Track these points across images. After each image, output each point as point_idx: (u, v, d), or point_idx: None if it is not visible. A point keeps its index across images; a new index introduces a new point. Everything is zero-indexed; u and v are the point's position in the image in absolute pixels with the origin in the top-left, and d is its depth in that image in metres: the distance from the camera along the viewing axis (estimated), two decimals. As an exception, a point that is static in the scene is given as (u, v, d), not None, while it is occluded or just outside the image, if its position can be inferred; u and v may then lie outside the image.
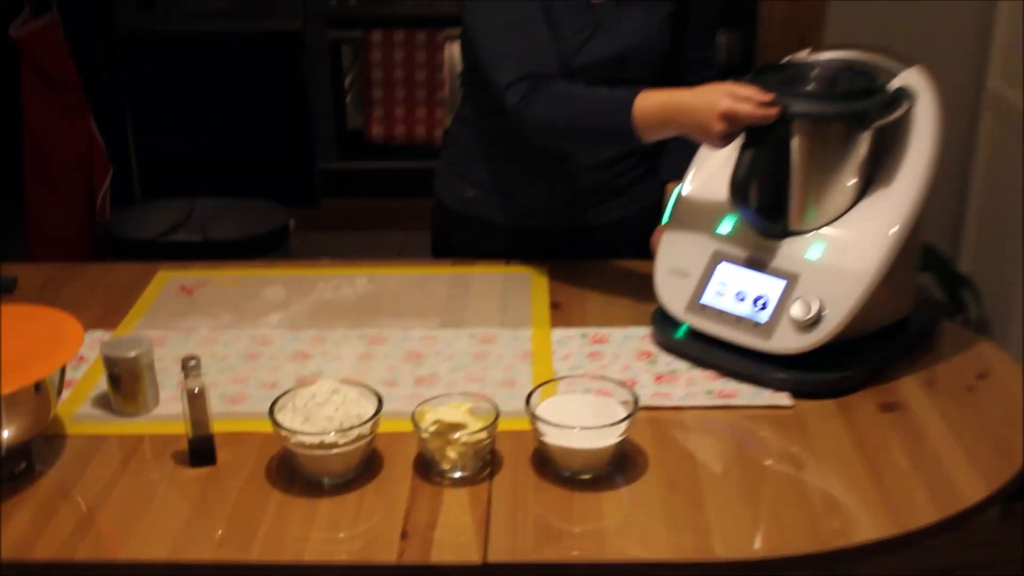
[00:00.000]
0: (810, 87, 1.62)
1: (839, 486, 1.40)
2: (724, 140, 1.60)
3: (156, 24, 4.20)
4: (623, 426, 1.39)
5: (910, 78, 1.63)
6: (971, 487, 1.38)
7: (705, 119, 1.58)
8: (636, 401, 1.43)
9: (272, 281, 1.95)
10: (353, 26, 4.19)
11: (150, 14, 4.19)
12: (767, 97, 1.54)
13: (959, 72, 2.75)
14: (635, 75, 1.80)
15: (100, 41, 4.16)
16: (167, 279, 1.96)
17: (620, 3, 1.86)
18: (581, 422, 1.39)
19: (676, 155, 1.87)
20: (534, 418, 1.40)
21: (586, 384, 1.51)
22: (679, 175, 1.77)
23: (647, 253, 1.81)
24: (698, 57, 1.99)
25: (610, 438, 1.38)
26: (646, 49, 1.89)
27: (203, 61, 4.26)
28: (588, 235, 2.03)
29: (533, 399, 1.44)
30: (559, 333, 1.76)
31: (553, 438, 1.39)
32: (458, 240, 2.09)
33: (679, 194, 1.74)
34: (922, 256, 1.74)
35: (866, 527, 1.32)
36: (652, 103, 1.66)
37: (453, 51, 4.14)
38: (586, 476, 1.40)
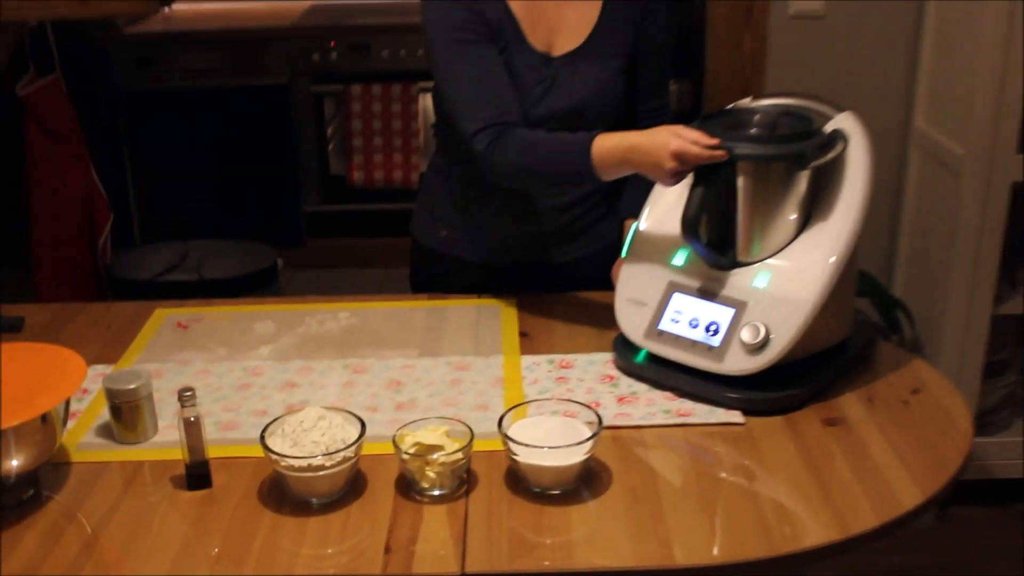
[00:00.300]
0: (753, 131, 1.63)
1: (788, 495, 1.40)
2: (675, 178, 1.61)
3: (153, 81, 4.20)
4: (588, 445, 1.38)
5: (843, 121, 1.65)
6: (908, 494, 1.39)
7: (658, 158, 1.59)
8: (600, 421, 1.43)
9: (262, 316, 1.94)
10: (334, 81, 4.20)
11: (148, 72, 4.19)
12: (713, 140, 1.55)
13: (888, 114, 2.78)
14: (591, 125, 1.80)
15: (101, 97, 4.16)
16: (164, 316, 1.95)
17: (575, 60, 1.87)
18: (550, 442, 1.39)
19: (633, 194, 1.89)
20: (506, 439, 1.40)
21: (553, 407, 1.51)
22: (636, 213, 1.78)
23: (608, 286, 1.81)
24: (651, 107, 1.98)
25: (577, 456, 1.38)
26: (600, 101, 1.89)
27: (197, 114, 4.25)
28: (554, 271, 2.03)
29: (505, 421, 1.44)
30: (528, 360, 1.76)
31: (524, 457, 1.39)
32: (434, 276, 2.09)
33: (636, 230, 1.75)
34: (859, 282, 1.75)
35: (813, 533, 1.33)
36: (608, 145, 1.67)
37: (427, 102, 4.16)
38: (555, 491, 1.39)
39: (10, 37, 2.63)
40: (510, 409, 1.48)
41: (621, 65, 1.89)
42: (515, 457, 1.40)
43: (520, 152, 1.76)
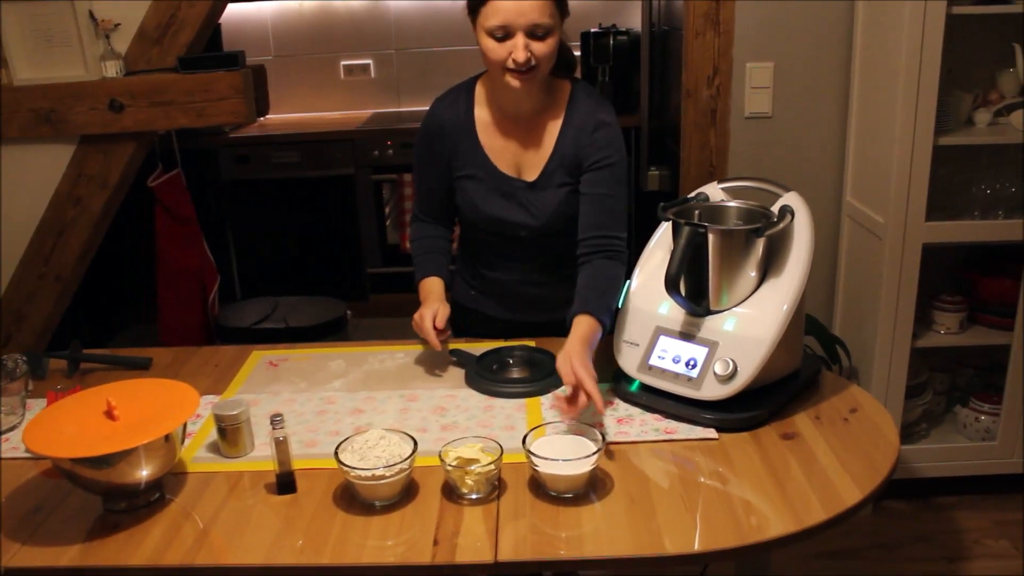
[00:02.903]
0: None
1: (754, 496, 1.37)
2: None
3: (250, 173, 4.25)
4: (595, 457, 1.37)
5: (789, 199, 1.64)
6: (850, 493, 1.37)
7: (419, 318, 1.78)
8: (604, 439, 1.41)
9: (335, 357, 1.93)
10: (390, 171, 4.24)
11: (246, 166, 4.24)
12: (431, 336, 1.76)
13: (824, 191, 2.77)
14: (553, 236, 1.83)
15: (211, 186, 4.20)
16: (259, 357, 1.95)
17: (534, 188, 1.83)
18: (564, 455, 1.37)
19: (584, 293, 1.74)
20: (529, 453, 1.38)
21: (566, 427, 1.49)
22: (587, 309, 1.68)
23: (609, 330, 1.77)
24: (587, 236, 1.78)
25: (585, 466, 1.36)
26: (556, 220, 1.84)
27: (283, 198, 4.29)
28: (563, 322, 1.98)
29: (528, 439, 1.42)
30: (545, 389, 1.74)
31: (543, 467, 1.37)
32: (469, 325, 2.07)
33: (628, 287, 1.74)
34: (806, 324, 1.73)
35: (775, 525, 1.30)
36: (423, 288, 1.88)
37: (462, 187, 4.17)
38: (568, 495, 1.37)
39: (144, 143, 2.66)
40: (531, 429, 1.46)
41: (570, 190, 1.82)
42: (536, 468, 1.38)
43: (414, 235, 1.98)
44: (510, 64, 1.68)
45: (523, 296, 1.97)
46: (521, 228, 1.86)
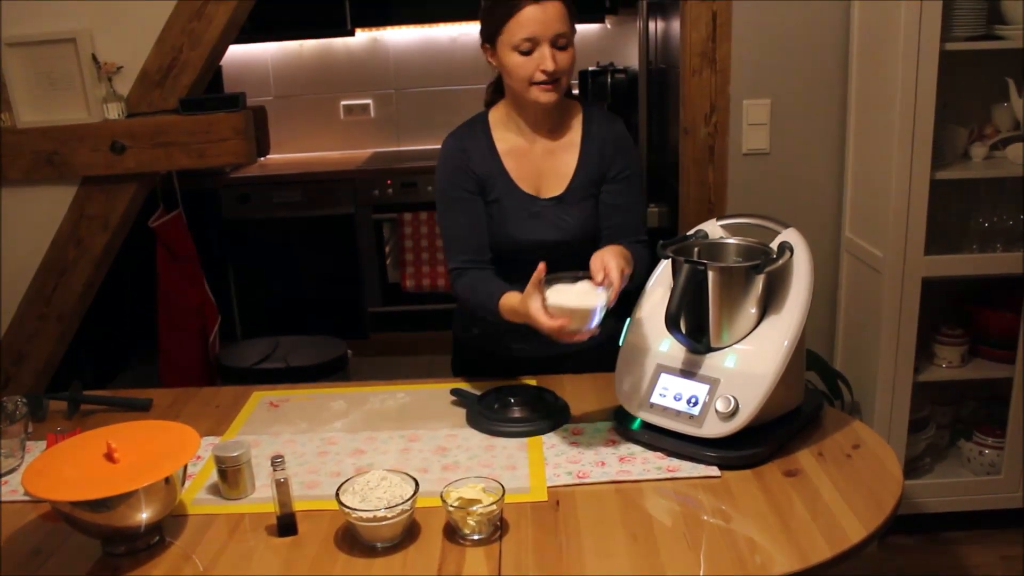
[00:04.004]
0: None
1: (758, 533, 1.37)
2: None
3: (251, 213, 4.27)
4: (603, 292, 1.53)
5: (788, 235, 1.65)
6: (854, 530, 1.36)
7: (528, 320, 1.60)
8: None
9: (336, 397, 1.93)
10: (390, 210, 4.26)
11: (247, 206, 4.26)
12: (555, 325, 1.55)
13: (823, 227, 2.78)
14: (575, 251, 1.78)
15: (211, 226, 4.22)
16: (260, 397, 1.94)
17: (561, 203, 1.87)
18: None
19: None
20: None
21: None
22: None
23: (610, 368, 1.77)
24: (611, 223, 1.89)
25: (593, 299, 1.50)
26: (583, 233, 1.88)
27: (284, 237, 4.31)
28: (565, 358, 1.99)
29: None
30: (547, 427, 1.73)
31: (553, 297, 1.51)
32: (470, 363, 2.07)
33: (629, 324, 1.74)
34: (807, 359, 1.73)
35: (779, 563, 1.29)
36: (507, 302, 1.70)
37: (462, 225, 4.19)
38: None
39: (145, 184, 2.68)
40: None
41: (595, 203, 1.89)
42: (547, 299, 1.51)
43: (465, 291, 1.84)
44: (538, 77, 1.74)
45: (534, 330, 1.96)
46: (548, 246, 1.85)
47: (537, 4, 1.71)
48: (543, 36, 1.72)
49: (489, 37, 1.79)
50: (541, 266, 1.56)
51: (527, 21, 1.71)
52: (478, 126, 1.90)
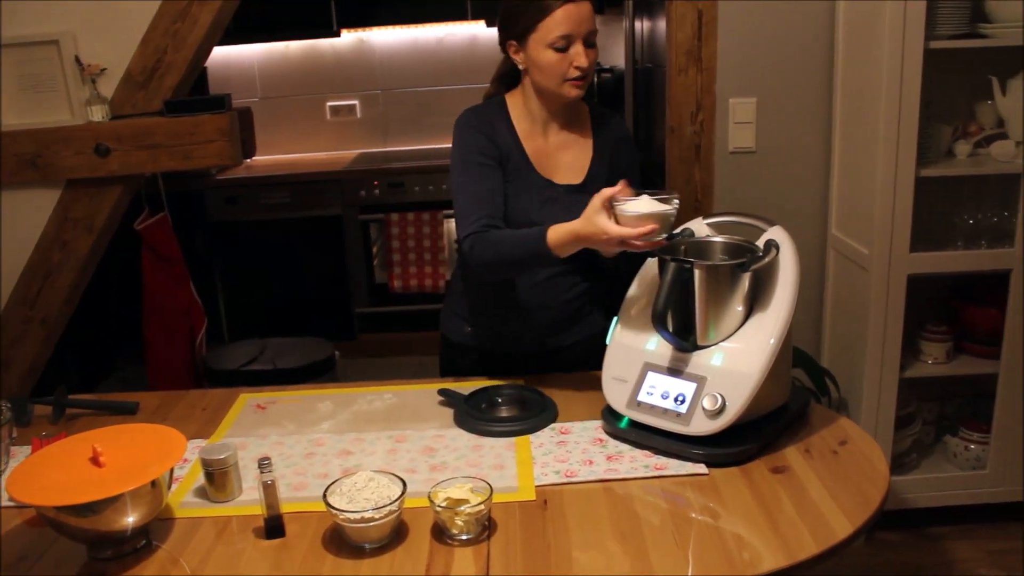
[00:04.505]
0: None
1: (745, 530, 1.37)
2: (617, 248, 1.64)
3: (237, 214, 4.25)
4: (673, 203, 1.57)
5: (774, 233, 1.65)
6: (841, 525, 1.37)
7: (601, 241, 1.61)
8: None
9: (323, 398, 1.92)
10: (377, 211, 4.25)
11: (234, 208, 4.25)
12: (644, 231, 1.56)
13: (809, 225, 2.79)
14: None
15: (198, 228, 4.20)
16: (247, 399, 1.94)
17: (579, 191, 1.88)
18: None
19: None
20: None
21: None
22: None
23: (597, 367, 1.78)
24: None
25: (663, 205, 1.55)
26: None
27: (271, 239, 4.30)
28: (554, 355, 2.01)
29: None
30: (534, 426, 1.73)
31: (625, 207, 1.56)
32: (458, 362, 2.07)
33: (616, 323, 1.74)
34: (794, 356, 1.73)
35: (768, 560, 1.29)
36: (560, 231, 1.67)
37: (450, 225, 4.20)
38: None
39: (130, 186, 2.67)
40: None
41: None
42: (620, 208, 1.59)
43: (493, 246, 1.77)
44: (572, 73, 1.80)
45: (529, 322, 1.97)
46: None
47: (572, 3, 1.76)
48: (577, 33, 1.77)
49: (519, 35, 1.82)
50: (622, 183, 1.61)
51: (563, 19, 1.76)
52: (496, 107, 1.93)
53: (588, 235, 1.63)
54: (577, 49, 1.78)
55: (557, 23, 1.76)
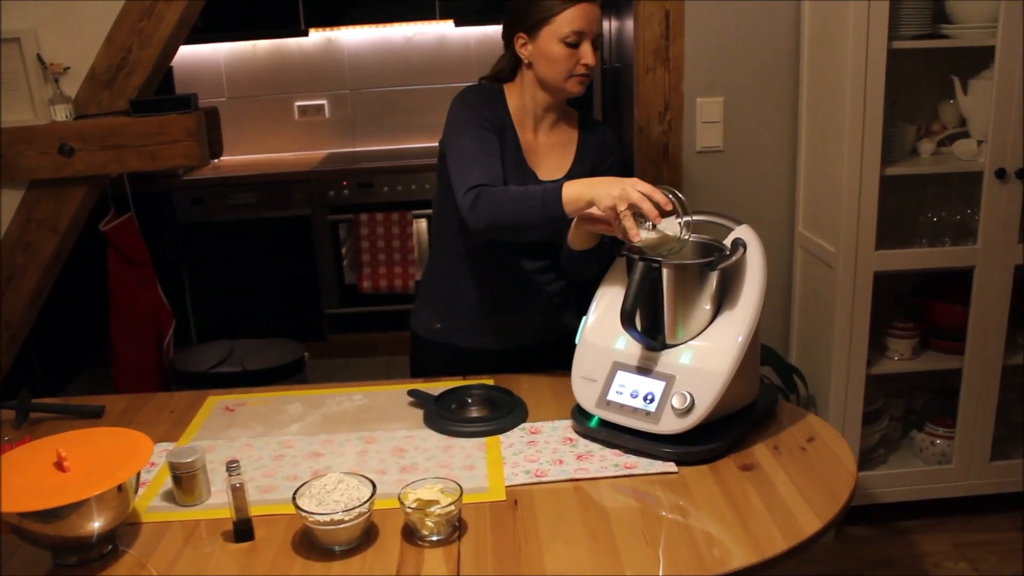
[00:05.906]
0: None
1: (715, 528, 1.38)
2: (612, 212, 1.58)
3: (205, 215, 4.22)
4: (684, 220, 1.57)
5: (742, 232, 1.67)
6: (809, 522, 1.38)
7: (616, 186, 1.56)
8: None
9: (292, 400, 1.91)
10: (346, 211, 4.23)
11: (201, 208, 4.21)
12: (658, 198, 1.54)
13: (776, 223, 2.81)
14: (558, 232, 1.77)
15: (165, 229, 4.16)
16: (215, 402, 1.92)
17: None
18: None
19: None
20: None
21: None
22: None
23: (567, 366, 1.78)
24: None
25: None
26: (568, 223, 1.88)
27: (239, 240, 4.26)
28: (524, 354, 2.02)
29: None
30: (505, 426, 1.73)
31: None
32: (429, 360, 2.07)
33: (585, 323, 1.75)
34: (762, 354, 1.75)
35: (737, 556, 1.30)
36: (573, 185, 1.64)
37: (419, 225, 4.19)
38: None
39: (95, 187, 2.63)
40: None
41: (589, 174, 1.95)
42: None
43: (495, 206, 1.70)
44: (579, 70, 1.85)
45: (501, 319, 2.00)
46: None
47: (588, 2, 1.82)
48: (589, 32, 1.83)
49: (531, 26, 1.84)
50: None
51: (579, 16, 1.81)
52: (495, 91, 1.94)
53: (605, 181, 1.59)
54: (586, 47, 1.83)
55: (573, 18, 1.81)
